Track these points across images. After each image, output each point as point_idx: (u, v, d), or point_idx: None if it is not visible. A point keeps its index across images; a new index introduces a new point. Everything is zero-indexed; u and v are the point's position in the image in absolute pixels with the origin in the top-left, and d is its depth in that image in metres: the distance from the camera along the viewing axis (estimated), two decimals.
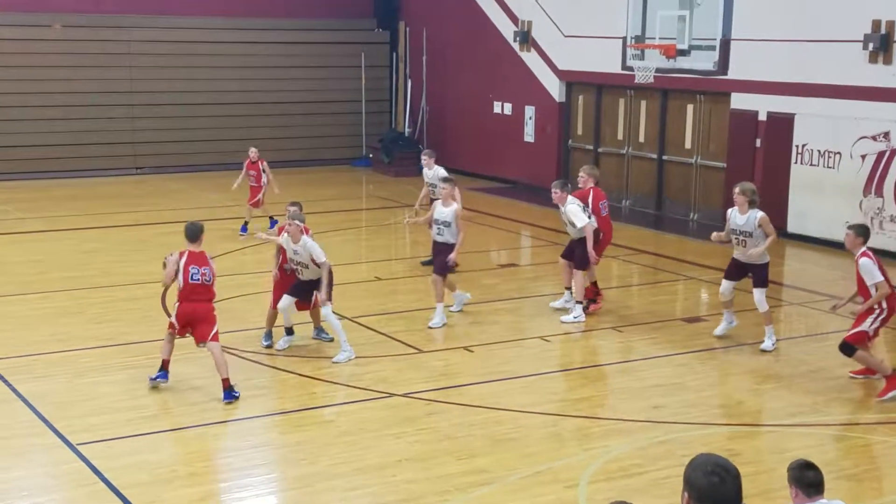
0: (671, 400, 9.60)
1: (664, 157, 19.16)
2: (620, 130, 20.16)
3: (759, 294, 10.86)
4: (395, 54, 25.50)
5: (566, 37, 20.65)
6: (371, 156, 24.83)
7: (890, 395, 9.49)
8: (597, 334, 11.76)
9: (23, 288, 13.25)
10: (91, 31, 22.62)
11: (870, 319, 9.56)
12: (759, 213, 10.71)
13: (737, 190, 10.82)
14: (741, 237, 10.81)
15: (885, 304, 9.55)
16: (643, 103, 19.61)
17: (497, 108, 22.73)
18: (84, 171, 22.40)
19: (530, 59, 21.65)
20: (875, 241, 13.40)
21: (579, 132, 21.09)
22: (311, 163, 24.32)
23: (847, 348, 9.64)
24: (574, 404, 9.44)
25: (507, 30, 22.11)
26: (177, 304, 9.48)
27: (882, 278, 9.46)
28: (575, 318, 11.88)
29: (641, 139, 19.65)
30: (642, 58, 18.66)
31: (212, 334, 9.39)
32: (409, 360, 10.67)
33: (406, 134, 24.84)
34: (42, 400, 9.23)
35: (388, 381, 9.93)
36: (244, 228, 16.39)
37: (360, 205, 20.99)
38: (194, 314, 9.37)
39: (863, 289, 9.63)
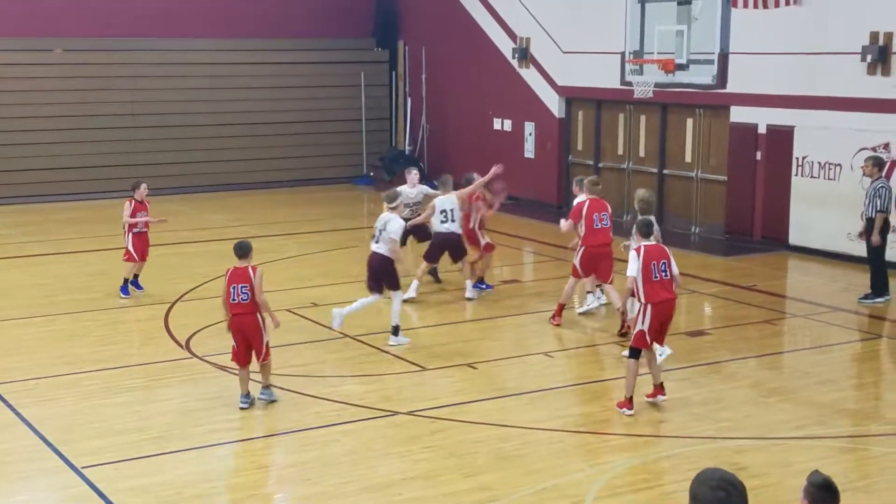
0: (676, 414, 9.57)
1: (665, 172, 19.17)
2: (621, 145, 20.19)
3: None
4: (394, 73, 25.57)
5: (565, 53, 20.70)
6: (372, 174, 24.87)
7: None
8: (600, 349, 11.74)
9: (28, 311, 13.25)
10: (92, 55, 22.70)
11: None
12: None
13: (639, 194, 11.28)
14: None
15: None
16: (643, 118, 19.64)
17: (497, 124, 22.77)
18: (87, 194, 22.44)
19: (529, 75, 21.70)
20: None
21: (579, 147, 21.11)
22: (313, 182, 24.36)
23: None
24: (579, 420, 9.41)
25: (505, 47, 22.17)
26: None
27: None
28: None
29: (642, 154, 19.67)
30: (641, 73, 18.66)
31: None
32: (413, 377, 10.65)
33: (407, 152, 24.87)
34: (46, 423, 9.22)
35: (393, 399, 9.91)
36: (128, 289, 13.74)
37: (362, 223, 20.98)
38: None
39: None
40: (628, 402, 9.41)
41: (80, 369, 10.83)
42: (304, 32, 24.74)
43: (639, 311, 9.41)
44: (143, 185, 13.72)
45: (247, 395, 9.63)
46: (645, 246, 9.48)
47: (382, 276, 11.65)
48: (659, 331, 9.45)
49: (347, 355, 11.42)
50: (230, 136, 23.96)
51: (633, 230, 10.06)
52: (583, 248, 12.17)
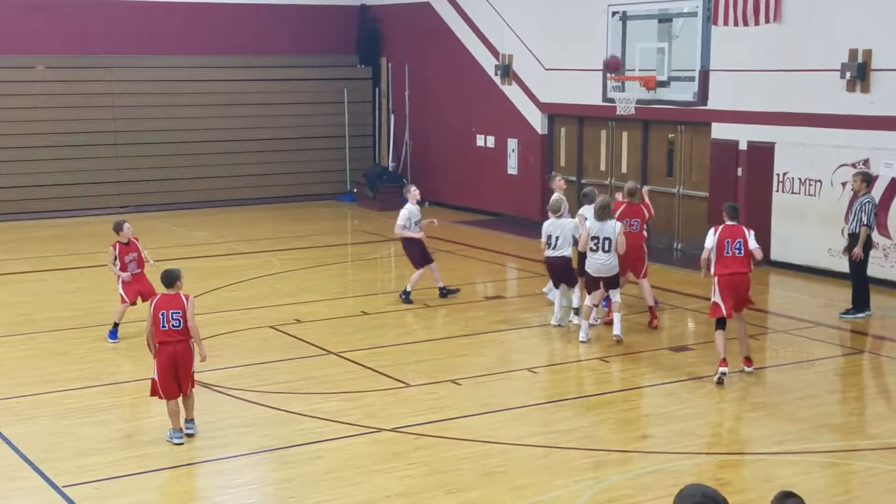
0: (659, 430, 9.59)
1: (647, 187, 19.24)
2: (603, 161, 20.28)
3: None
4: (377, 90, 25.62)
5: (547, 70, 20.80)
6: (355, 191, 24.89)
7: None
8: (584, 365, 11.76)
9: (7, 329, 13.16)
10: (74, 72, 22.65)
11: None
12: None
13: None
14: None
15: None
16: (624, 134, 19.74)
17: (480, 141, 22.83)
18: (68, 211, 22.36)
19: (512, 92, 21.79)
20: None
21: (562, 164, 21.19)
22: (296, 198, 24.36)
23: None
24: (563, 436, 9.42)
25: (488, 64, 22.26)
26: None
27: None
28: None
29: (624, 170, 19.76)
30: (623, 90, 18.81)
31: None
32: (396, 394, 10.63)
33: (390, 168, 24.90)
34: (27, 442, 9.15)
35: (377, 416, 9.89)
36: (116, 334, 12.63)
37: (346, 239, 20.99)
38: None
39: None
40: (722, 362, 10.71)
41: (61, 387, 10.77)
42: (288, 50, 24.77)
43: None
44: (127, 225, 12.56)
45: (180, 430, 9.17)
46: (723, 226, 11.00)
47: (563, 276, 12.85)
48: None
49: (330, 372, 11.39)
50: (214, 153, 23.93)
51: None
52: None
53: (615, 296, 12.41)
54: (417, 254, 14.33)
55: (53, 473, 8.45)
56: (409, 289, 14.24)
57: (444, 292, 14.46)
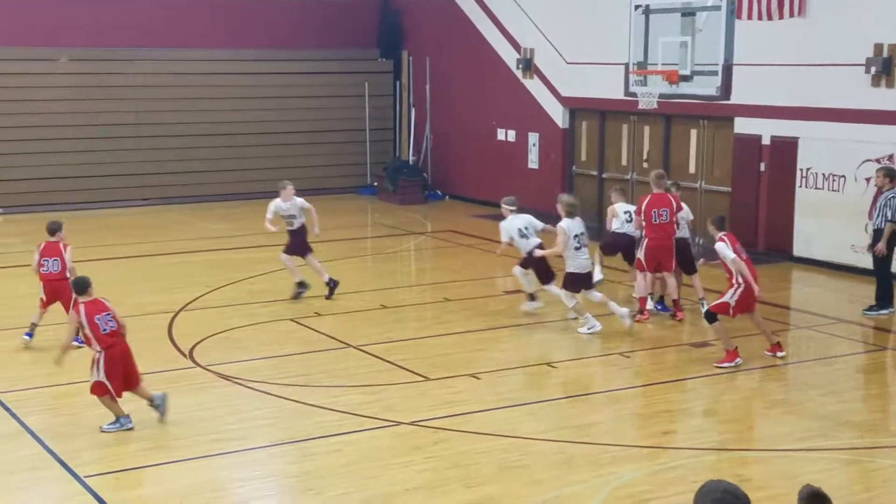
0: (680, 425, 9.57)
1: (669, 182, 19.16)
2: (624, 156, 20.22)
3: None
4: (398, 83, 25.64)
5: (569, 63, 20.75)
6: (376, 184, 24.92)
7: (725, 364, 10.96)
8: (604, 360, 11.75)
9: (28, 321, 13.24)
10: (97, 65, 22.78)
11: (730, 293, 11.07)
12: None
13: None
14: None
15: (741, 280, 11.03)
16: (646, 129, 19.68)
17: (501, 135, 22.82)
18: (91, 203, 22.48)
19: (533, 86, 21.76)
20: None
21: (583, 158, 21.15)
22: (316, 192, 24.30)
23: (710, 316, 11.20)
24: (582, 431, 9.42)
25: (509, 57, 22.23)
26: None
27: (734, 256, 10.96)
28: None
29: (646, 164, 19.69)
30: (645, 84, 18.74)
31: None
32: (415, 387, 10.66)
33: (410, 162, 24.92)
34: (49, 432, 9.23)
35: (395, 410, 9.92)
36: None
37: (366, 233, 21.03)
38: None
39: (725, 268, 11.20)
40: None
41: (83, 378, 10.82)
42: (309, 43, 24.82)
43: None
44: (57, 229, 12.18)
45: (127, 416, 9.25)
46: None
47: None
48: None
49: (349, 365, 11.43)
50: (234, 146, 24.01)
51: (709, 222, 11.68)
52: (646, 240, 12.89)
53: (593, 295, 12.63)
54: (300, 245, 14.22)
55: (75, 464, 8.52)
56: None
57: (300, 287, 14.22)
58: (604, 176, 20.57)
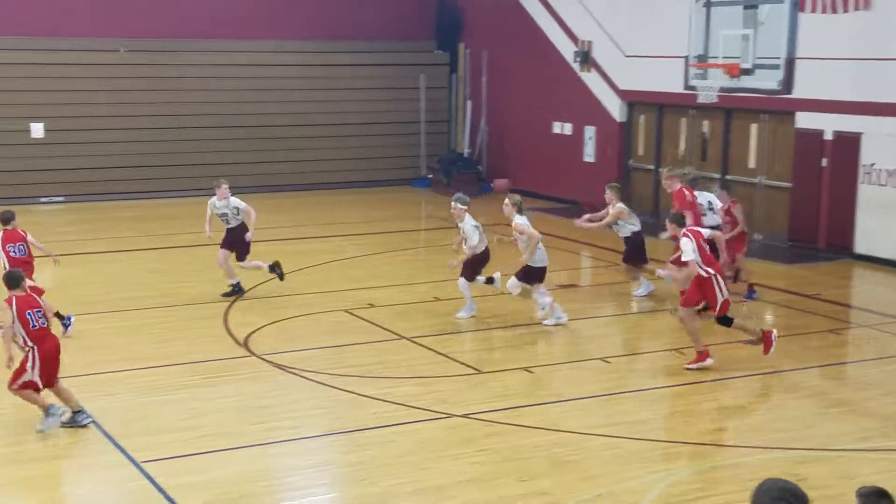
0: (735, 423, 9.53)
1: (727, 177, 19.03)
2: (682, 150, 20.09)
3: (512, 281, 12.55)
4: (454, 75, 25.70)
5: (627, 56, 20.65)
6: (430, 176, 25.02)
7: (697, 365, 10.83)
8: (657, 356, 11.71)
9: (88, 308, 13.54)
10: (155, 56, 23.12)
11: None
12: (518, 220, 12.39)
13: (506, 200, 12.67)
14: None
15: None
16: (706, 123, 19.52)
17: (557, 128, 22.78)
18: (146, 193, 22.85)
19: (590, 79, 21.69)
20: None
21: (640, 152, 21.05)
22: (370, 184, 24.57)
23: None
24: (635, 427, 9.42)
25: (567, 50, 22.18)
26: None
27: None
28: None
29: (704, 159, 19.54)
30: (705, 77, 18.60)
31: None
32: (468, 380, 10.73)
33: (465, 154, 24.99)
34: (108, 418, 9.45)
35: (448, 402, 10.00)
36: None
37: (420, 225, 21.14)
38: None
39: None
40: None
41: (140, 365, 11.08)
42: (365, 35, 24.97)
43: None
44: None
45: (57, 405, 9.18)
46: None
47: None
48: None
49: (402, 357, 11.54)
50: (289, 138, 24.24)
51: (668, 222, 11.38)
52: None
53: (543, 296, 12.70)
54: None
55: (132, 449, 8.72)
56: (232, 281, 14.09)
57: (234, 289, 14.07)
58: (661, 170, 20.44)
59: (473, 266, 12.87)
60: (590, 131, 21.89)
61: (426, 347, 11.80)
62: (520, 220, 12.43)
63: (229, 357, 11.42)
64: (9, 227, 12.22)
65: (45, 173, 22.14)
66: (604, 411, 9.86)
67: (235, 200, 14.01)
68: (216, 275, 15.09)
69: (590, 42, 21.58)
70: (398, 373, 10.94)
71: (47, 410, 9.11)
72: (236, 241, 14.00)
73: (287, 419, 9.56)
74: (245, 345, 11.85)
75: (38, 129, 22.08)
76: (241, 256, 14.04)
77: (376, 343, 12.00)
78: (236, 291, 13.99)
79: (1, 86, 21.69)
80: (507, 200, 12.70)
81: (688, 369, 10.86)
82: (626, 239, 14.10)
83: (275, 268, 14.26)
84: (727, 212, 13.71)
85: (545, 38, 22.77)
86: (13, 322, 8.92)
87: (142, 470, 8.33)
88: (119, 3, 22.82)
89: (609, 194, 14.16)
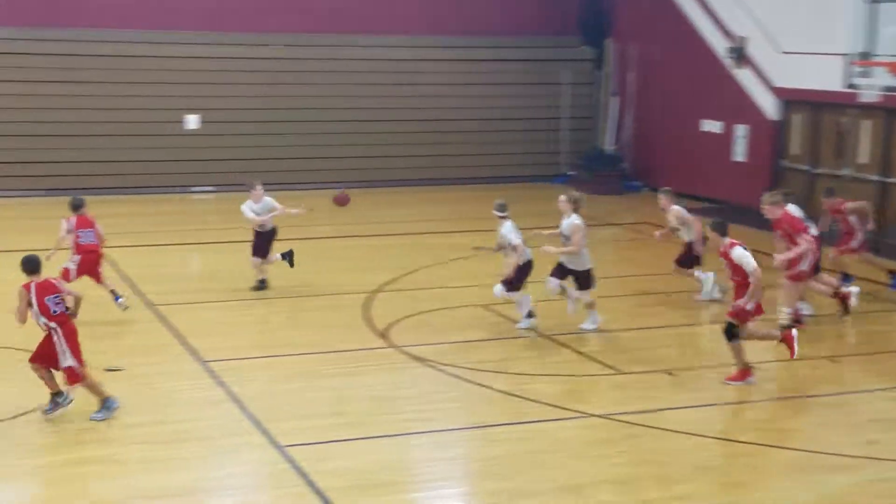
0: (890, 436, 9.19)
1: (888, 180, 18.31)
2: (840, 151, 19.42)
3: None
4: (600, 71, 25.51)
5: (784, 53, 20.09)
6: (572, 173, 24.90)
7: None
8: (809, 363, 11.38)
9: (231, 295, 14.02)
10: (307, 50, 23.69)
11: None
12: (574, 220, 12.03)
13: (562, 197, 12.32)
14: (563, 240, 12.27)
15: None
16: (866, 123, 18.82)
17: (706, 126, 22.35)
18: (291, 185, 23.37)
19: (743, 75, 21.19)
20: None
21: (794, 152, 20.45)
22: (508, 179, 24.60)
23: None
24: (782, 435, 9.20)
25: (719, 46, 21.73)
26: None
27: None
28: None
29: (864, 160, 18.85)
30: (868, 76, 17.95)
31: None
32: (607, 380, 10.68)
33: (610, 151, 24.78)
34: (253, 402, 9.79)
35: (586, 401, 9.97)
36: None
37: (558, 222, 21.02)
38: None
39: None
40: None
41: (281, 352, 11.42)
42: (508, 31, 25.02)
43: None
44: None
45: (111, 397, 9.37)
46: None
47: None
48: None
49: (540, 353, 11.56)
50: (430, 132, 24.49)
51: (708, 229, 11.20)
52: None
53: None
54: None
55: (276, 433, 9.01)
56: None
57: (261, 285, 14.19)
58: (816, 171, 19.83)
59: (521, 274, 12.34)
60: (741, 130, 21.39)
61: (564, 345, 11.78)
62: (577, 221, 12.08)
63: (368, 347, 11.66)
64: (80, 214, 12.64)
65: (198, 163, 22.96)
66: (750, 417, 9.68)
67: (270, 202, 14.12)
68: (357, 265, 15.43)
69: (744, 38, 21.08)
70: (535, 370, 10.96)
71: (104, 403, 9.32)
72: (264, 246, 14.12)
73: (423, 411, 9.72)
74: (384, 336, 12.08)
75: (193, 121, 22.95)
76: (264, 255, 14.16)
77: (513, 339, 12.06)
78: (261, 287, 14.10)
79: (157, 78, 22.61)
80: (563, 197, 12.33)
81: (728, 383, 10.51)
82: (686, 244, 13.77)
83: (286, 255, 14.46)
84: (837, 210, 13.88)
85: (696, 33, 22.36)
86: (29, 308, 9.02)
87: (285, 454, 8.61)
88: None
89: (664, 199, 13.90)
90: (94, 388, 9.34)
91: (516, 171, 24.85)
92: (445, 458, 8.87)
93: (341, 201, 13.76)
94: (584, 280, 12.26)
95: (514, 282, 12.21)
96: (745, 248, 10.45)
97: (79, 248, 12.42)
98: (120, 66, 22.28)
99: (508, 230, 12.31)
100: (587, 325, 12.37)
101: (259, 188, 14.10)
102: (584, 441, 9.01)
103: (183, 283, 14.76)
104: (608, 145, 25.01)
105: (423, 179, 24.26)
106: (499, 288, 12.31)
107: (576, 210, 12.13)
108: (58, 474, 8.25)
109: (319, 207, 21.55)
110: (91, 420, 9.22)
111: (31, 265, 9.22)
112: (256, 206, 14.06)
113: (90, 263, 12.56)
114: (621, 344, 11.95)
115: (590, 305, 12.38)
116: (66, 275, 12.12)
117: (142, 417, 9.39)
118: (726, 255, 10.53)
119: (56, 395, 9.30)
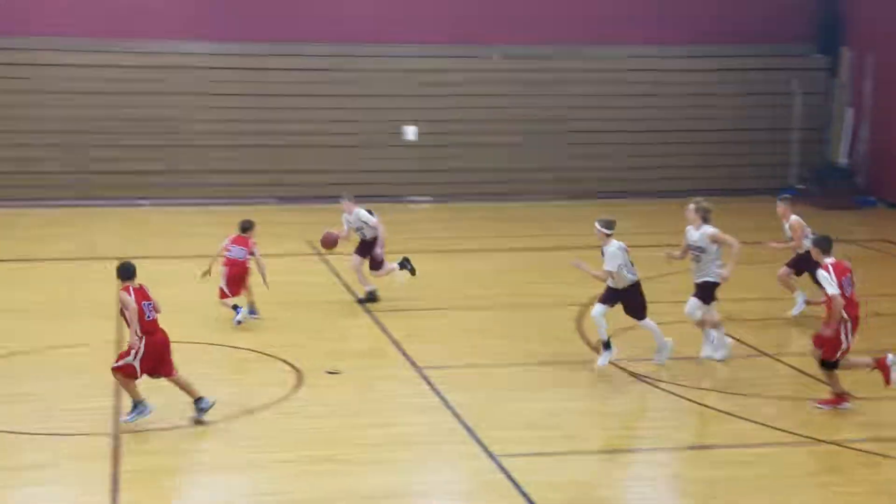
0: None
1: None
2: None
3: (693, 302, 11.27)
4: (833, 80, 24.44)
5: None
6: (801, 186, 23.95)
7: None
8: None
9: (451, 303, 14.27)
10: (526, 62, 23.95)
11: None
12: (710, 229, 11.13)
13: (690, 206, 11.36)
14: (696, 253, 11.26)
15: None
16: None
17: None
18: (510, 196, 23.69)
19: None
20: None
21: None
22: (732, 192, 23.92)
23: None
24: None
25: None
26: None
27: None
28: None
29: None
30: None
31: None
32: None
33: (842, 165, 23.70)
34: (467, 410, 9.94)
35: (814, 426, 9.58)
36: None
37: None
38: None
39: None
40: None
41: (496, 362, 11.54)
42: (733, 38, 24.36)
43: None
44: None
45: (143, 399, 9.49)
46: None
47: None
48: None
49: (764, 374, 11.21)
50: (648, 144, 24.20)
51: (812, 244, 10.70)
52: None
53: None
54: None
55: (489, 442, 9.12)
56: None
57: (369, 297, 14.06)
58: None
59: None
60: None
61: (790, 366, 11.35)
62: (711, 230, 11.29)
63: (582, 360, 11.58)
64: (243, 234, 13.13)
65: (415, 174, 23.57)
66: None
67: (363, 214, 14.05)
68: (570, 277, 15.34)
69: None
70: (759, 391, 10.62)
71: (137, 404, 9.46)
72: (368, 251, 14.12)
73: (640, 428, 9.65)
74: (598, 350, 11.95)
75: (411, 132, 23.59)
76: (374, 267, 14.13)
77: (735, 358, 11.69)
78: (371, 299, 14.07)
79: (377, 90, 23.36)
80: (691, 206, 11.43)
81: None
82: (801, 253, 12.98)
83: (405, 263, 14.42)
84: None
85: None
86: (130, 312, 9.31)
87: (498, 463, 8.70)
88: (497, 9, 23.75)
89: (781, 207, 13.13)
90: (130, 388, 9.47)
91: (737, 183, 24.15)
92: (661, 477, 8.72)
93: (328, 243, 13.90)
94: (705, 292, 11.38)
95: (606, 300, 11.19)
96: (831, 272, 9.74)
97: (225, 261, 13.08)
98: (342, 79, 23.21)
99: (612, 253, 11.02)
100: (710, 353, 11.46)
101: (346, 200, 14.17)
102: (811, 468, 8.67)
103: (399, 291, 15.15)
104: (841, 158, 23.91)
105: (640, 192, 23.90)
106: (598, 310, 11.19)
107: (705, 220, 11.31)
108: (289, 470, 8.63)
109: (541, 218, 21.77)
110: (123, 422, 9.44)
111: (127, 271, 9.52)
112: (351, 218, 14.18)
113: (234, 277, 13.03)
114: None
115: (714, 325, 11.51)
116: (222, 294, 12.95)
117: (364, 419, 9.75)
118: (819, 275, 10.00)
119: (138, 402, 9.47)
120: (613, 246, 11.01)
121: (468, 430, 9.46)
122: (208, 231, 17.06)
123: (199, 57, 22.74)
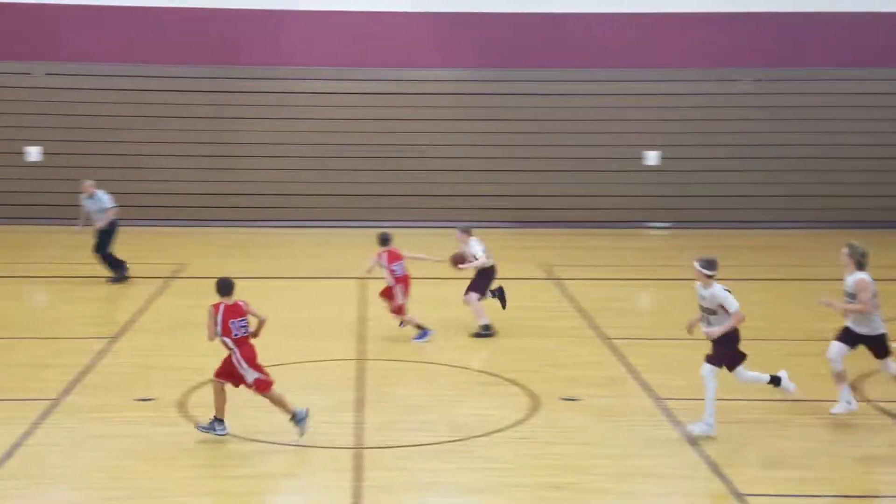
0: None
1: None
2: None
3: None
4: None
5: None
6: None
7: None
8: None
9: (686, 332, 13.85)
10: (771, 85, 23.80)
11: None
12: (859, 275, 10.21)
13: (844, 250, 10.39)
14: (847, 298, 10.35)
15: None
16: None
17: None
18: (749, 223, 23.10)
19: None
20: None
21: None
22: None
23: None
24: None
25: None
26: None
27: None
28: None
29: None
30: None
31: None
32: None
33: None
34: (709, 445, 9.60)
35: None
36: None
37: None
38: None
39: None
40: None
41: (741, 396, 10.95)
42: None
43: None
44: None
45: (221, 420, 9.67)
46: None
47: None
48: None
49: None
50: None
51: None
52: None
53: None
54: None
55: (737, 480, 8.76)
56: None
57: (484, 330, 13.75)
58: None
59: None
60: None
61: None
62: (863, 276, 10.14)
63: (829, 399, 10.83)
64: (390, 248, 13.35)
65: (655, 199, 23.74)
66: None
67: (475, 245, 13.68)
68: (822, 311, 14.57)
69: None
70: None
71: (215, 422, 9.62)
72: (482, 282, 13.78)
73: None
74: (856, 389, 11.26)
75: (652, 157, 23.74)
76: (477, 290, 13.73)
77: None
78: (485, 334, 13.65)
79: (623, 115, 23.65)
80: (845, 249, 10.33)
81: None
82: None
83: (495, 292, 13.97)
84: None
85: None
86: (216, 327, 9.53)
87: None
88: (749, 33, 23.55)
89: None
90: (279, 402, 9.70)
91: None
92: None
93: (457, 261, 13.58)
94: (879, 347, 10.35)
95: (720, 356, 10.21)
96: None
97: (397, 281, 13.31)
98: (585, 103, 23.66)
99: (720, 293, 10.08)
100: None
101: (459, 232, 13.92)
102: None
103: (637, 318, 14.93)
104: None
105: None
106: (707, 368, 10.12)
107: (860, 266, 10.27)
108: (525, 495, 8.60)
109: (792, 246, 20.94)
110: (196, 429, 9.68)
111: (224, 288, 9.70)
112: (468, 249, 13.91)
113: (407, 290, 13.43)
114: None
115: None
116: (399, 309, 13.34)
117: (602, 449, 9.62)
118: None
119: (218, 420, 9.66)
120: (719, 289, 10.10)
121: (711, 465, 9.13)
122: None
123: (447, 84, 23.76)
